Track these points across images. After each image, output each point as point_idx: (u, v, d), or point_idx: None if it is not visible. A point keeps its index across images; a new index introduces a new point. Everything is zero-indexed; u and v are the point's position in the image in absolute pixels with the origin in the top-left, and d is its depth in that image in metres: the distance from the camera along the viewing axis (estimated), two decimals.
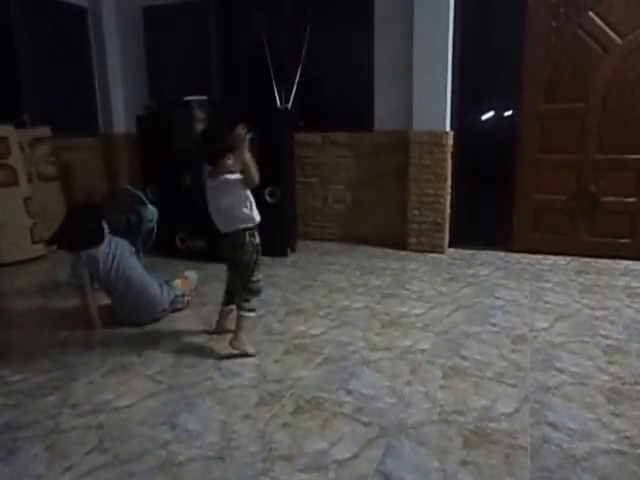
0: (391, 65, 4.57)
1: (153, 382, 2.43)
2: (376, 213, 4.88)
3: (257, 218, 2.65)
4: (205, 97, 4.58)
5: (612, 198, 4.24)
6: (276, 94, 4.40)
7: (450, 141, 4.48)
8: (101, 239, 3.09)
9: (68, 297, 3.42)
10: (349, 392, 2.28)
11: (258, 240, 2.68)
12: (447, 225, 4.63)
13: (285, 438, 1.97)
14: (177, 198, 4.54)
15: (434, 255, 4.50)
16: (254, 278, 2.66)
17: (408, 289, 3.65)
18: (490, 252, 4.52)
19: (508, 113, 4.52)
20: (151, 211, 3.78)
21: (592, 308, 3.21)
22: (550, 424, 2.01)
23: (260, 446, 1.92)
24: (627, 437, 1.92)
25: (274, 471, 1.79)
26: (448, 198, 4.58)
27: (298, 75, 4.60)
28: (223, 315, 2.93)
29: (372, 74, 4.68)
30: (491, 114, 4.62)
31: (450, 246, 4.69)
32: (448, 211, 4.61)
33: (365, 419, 2.08)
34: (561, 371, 2.42)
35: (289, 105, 4.51)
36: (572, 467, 1.76)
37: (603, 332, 2.86)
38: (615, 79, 4.10)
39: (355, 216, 4.98)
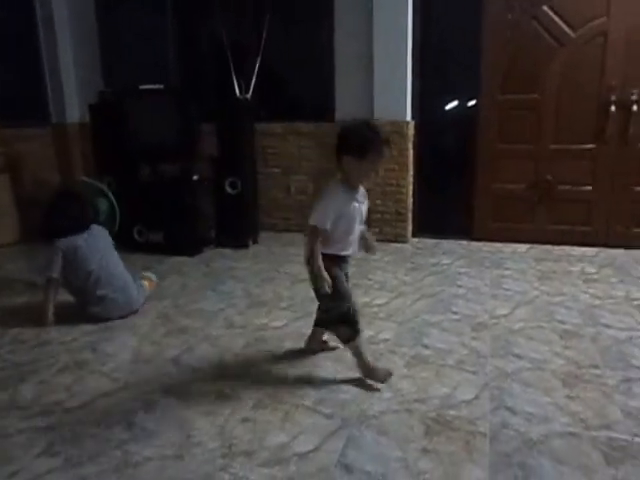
0: (352, 55, 4.53)
1: (108, 379, 2.36)
2: None
3: None
4: (161, 86, 4.46)
5: (568, 187, 4.33)
6: (235, 84, 4.30)
7: (411, 131, 4.48)
8: (86, 225, 2.99)
9: (18, 293, 3.29)
10: (311, 384, 2.26)
11: None
12: (410, 215, 4.64)
13: (245, 433, 1.93)
14: (134, 190, 4.41)
15: (397, 245, 4.51)
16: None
17: (371, 279, 3.64)
18: (453, 241, 4.56)
19: (468, 104, 4.55)
20: (105, 203, 3.67)
21: (549, 294, 3.27)
22: (509, 409, 2.04)
23: (220, 442, 1.88)
24: (581, 419, 1.96)
25: (234, 467, 1.75)
26: (410, 188, 4.59)
27: (258, 65, 4.51)
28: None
29: (333, 64, 4.63)
30: (451, 104, 4.65)
31: (413, 236, 4.71)
32: (411, 201, 4.63)
33: (327, 411, 2.06)
34: (519, 357, 2.46)
35: (249, 95, 4.43)
36: (529, 450, 1.79)
37: (560, 317, 2.92)
38: (569, 71, 4.17)
39: None
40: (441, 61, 4.54)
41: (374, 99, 4.41)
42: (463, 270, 3.78)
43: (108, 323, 2.95)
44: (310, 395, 2.17)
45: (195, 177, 4.27)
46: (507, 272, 3.72)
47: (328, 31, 4.60)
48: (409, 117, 4.45)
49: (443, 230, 4.67)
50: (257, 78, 4.49)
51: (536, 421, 1.96)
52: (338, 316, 2.23)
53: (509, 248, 4.32)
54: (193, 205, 4.30)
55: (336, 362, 2.45)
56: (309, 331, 2.78)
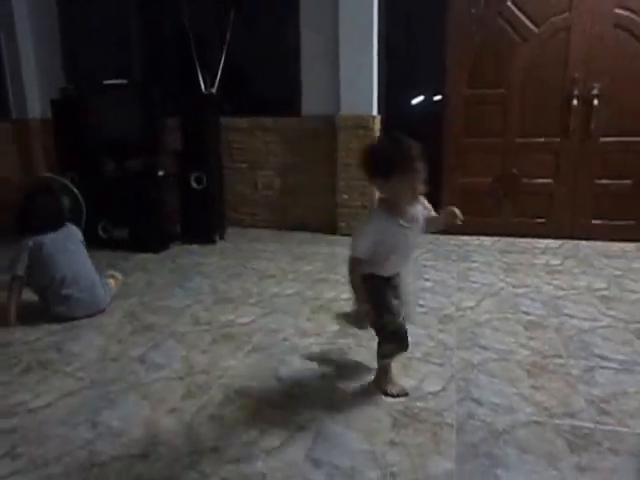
0: (317, 49, 4.51)
1: (74, 379, 2.29)
2: (306, 198, 4.84)
3: None
4: (125, 81, 4.36)
5: (533, 180, 4.42)
6: (200, 78, 4.24)
7: (377, 125, 4.50)
8: (62, 223, 2.94)
9: None
10: (279, 380, 2.25)
11: None
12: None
13: (213, 430, 1.90)
14: (98, 186, 4.31)
15: None
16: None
17: (339, 274, 3.63)
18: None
19: (434, 98, 4.60)
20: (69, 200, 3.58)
21: (514, 286, 3.33)
22: (475, 400, 2.06)
23: (187, 440, 1.85)
24: (545, 408, 1.99)
25: (201, 465, 1.72)
26: None
27: (223, 59, 4.45)
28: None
29: (299, 58, 4.61)
30: (418, 99, 4.68)
31: None
32: (376, 195, 4.64)
33: (295, 406, 2.04)
34: (485, 348, 2.49)
35: (214, 89, 4.37)
36: (495, 440, 1.81)
37: (524, 309, 2.97)
38: (533, 66, 4.25)
39: (285, 202, 4.92)
40: (407, 56, 4.58)
41: (340, 94, 4.41)
42: (430, 263, 3.82)
43: (74, 322, 2.87)
44: (278, 391, 2.16)
45: (160, 172, 4.20)
46: (473, 265, 3.77)
47: (294, 25, 4.58)
48: (375, 112, 4.46)
49: None
50: (222, 73, 4.44)
51: (502, 411, 1.98)
52: (390, 333, 2.06)
53: (476, 241, 4.39)
54: (158, 201, 4.23)
55: (305, 358, 2.44)
56: (276, 326, 2.78)
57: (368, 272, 2.05)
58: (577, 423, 1.91)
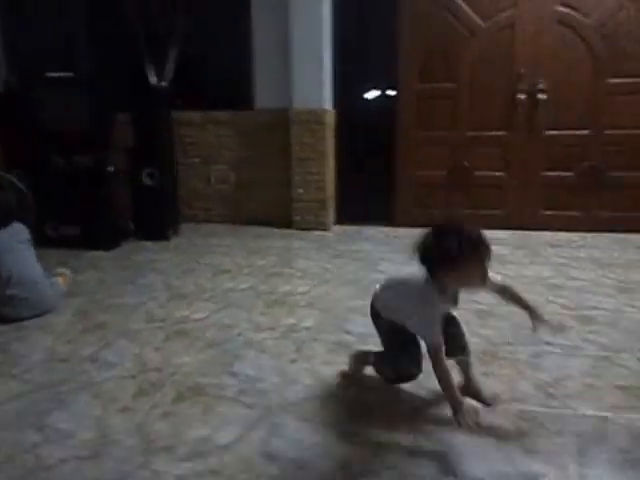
0: (269, 43, 4.50)
1: (19, 382, 2.21)
2: (261, 193, 4.82)
3: None
4: (71, 74, 4.21)
5: (483, 172, 4.54)
6: (150, 71, 4.13)
7: (331, 119, 4.52)
8: (6, 220, 2.86)
9: None
10: (233, 375, 2.23)
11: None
12: (332, 203, 4.69)
13: (166, 428, 1.87)
14: (46, 183, 4.15)
15: (320, 233, 4.55)
16: None
17: (293, 267, 3.65)
18: (375, 228, 4.66)
19: (387, 92, 4.64)
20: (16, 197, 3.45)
21: None
22: (428, 390, 2.09)
23: (139, 439, 1.81)
24: (496, 394, 2.05)
25: (154, 463, 1.69)
26: (332, 176, 4.64)
27: (174, 52, 4.34)
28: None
29: (251, 51, 4.57)
30: (371, 93, 4.72)
31: (336, 223, 4.76)
32: (332, 189, 4.67)
33: (249, 401, 2.04)
34: None
35: (165, 83, 4.27)
36: (449, 428, 1.85)
37: (476, 298, 3.03)
38: (481, 61, 4.36)
39: (240, 196, 4.88)
40: (360, 51, 4.59)
41: (293, 87, 4.40)
42: (384, 256, 3.87)
43: (21, 323, 2.76)
44: (232, 386, 2.14)
45: (110, 168, 4.09)
46: None
47: (245, 18, 4.53)
48: (329, 106, 4.47)
49: (365, 217, 4.75)
50: (173, 66, 4.34)
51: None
52: (398, 377, 2.01)
53: None
54: (109, 197, 4.13)
55: (259, 352, 2.44)
56: (231, 321, 2.76)
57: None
58: (525, 407, 1.97)
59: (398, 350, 1.94)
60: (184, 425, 1.89)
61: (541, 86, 4.28)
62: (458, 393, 1.76)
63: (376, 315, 2.04)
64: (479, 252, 1.66)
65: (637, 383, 2.14)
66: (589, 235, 4.33)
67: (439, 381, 1.77)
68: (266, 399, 2.05)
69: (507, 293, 1.91)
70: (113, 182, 4.14)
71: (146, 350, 2.45)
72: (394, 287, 1.97)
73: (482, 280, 1.73)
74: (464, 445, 1.75)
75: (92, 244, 4.06)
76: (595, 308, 2.88)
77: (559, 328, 1.87)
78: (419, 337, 1.84)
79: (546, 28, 4.20)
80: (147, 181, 4.17)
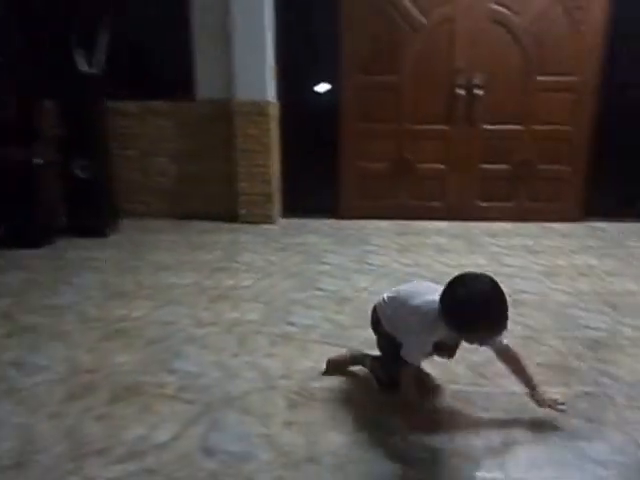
0: (209, 30, 4.39)
1: None
2: (204, 186, 4.72)
3: None
4: None
5: (424, 165, 4.62)
6: (79, 56, 3.91)
7: (275, 111, 4.48)
8: None
9: None
10: (172, 372, 2.17)
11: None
12: (277, 195, 4.66)
13: (99, 431, 1.80)
14: None
15: (265, 226, 4.51)
16: None
17: (238, 262, 3.60)
18: (320, 220, 4.66)
19: (331, 85, 4.64)
20: None
21: (407, 265, 3.48)
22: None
23: (69, 444, 1.73)
24: (434, 377, 2.10)
25: (85, 468, 1.62)
26: (277, 168, 4.60)
27: (105, 36, 4.11)
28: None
29: (190, 39, 4.45)
30: (318, 86, 4.70)
31: (282, 216, 4.73)
32: (277, 181, 4.64)
33: (189, 397, 1.99)
34: None
35: (96, 69, 4.06)
36: (387, 411, 1.88)
37: None
38: (422, 55, 4.43)
39: (182, 190, 4.76)
40: (305, 43, 4.55)
41: (235, 78, 4.33)
42: (329, 248, 3.88)
43: None
44: (171, 383, 2.09)
45: (38, 160, 3.85)
46: (370, 247, 3.88)
47: (184, 2, 4.39)
48: (272, 97, 4.42)
49: (311, 210, 4.75)
50: (104, 51, 4.13)
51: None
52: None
53: (373, 225, 4.52)
54: (37, 191, 3.88)
55: (201, 348, 2.39)
56: (172, 318, 2.69)
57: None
58: (458, 387, 2.04)
59: (393, 361, 1.93)
60: (119, 426, 1.82)
61: (478, 82, 4.40)
62: (415, 401, 1.88)
63: (377, 322, 2.04)
64: (500, 325, 1.64)
65: (558, 361, 2.27)
66: (522, 224, 4.51)
67: (400, 385, 1.89)
68: (207, 395, 2.01)
69: (504, 356, 1.86)
70: (41, 175, 3.90)
71: (79, 352, 2.35)
72: (404, 306, 1.88)
73: (489, 342, 1.78)
74: (403, 426, 1.79)
75: (19, 242, 3.83)
76: (524, 292, 3.01)
77: (553, 406, 1.83)
78: (401, 351, 1.81)
79: (481, 26, 4.32)
80: (79, 174, 3.98)
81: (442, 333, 1.75)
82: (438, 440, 1.74)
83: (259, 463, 1.64)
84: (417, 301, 1.82)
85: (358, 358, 2.16)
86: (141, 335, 2.50)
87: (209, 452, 1.69)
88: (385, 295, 2.03)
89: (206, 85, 4.51)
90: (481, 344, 1.80)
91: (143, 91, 4.62)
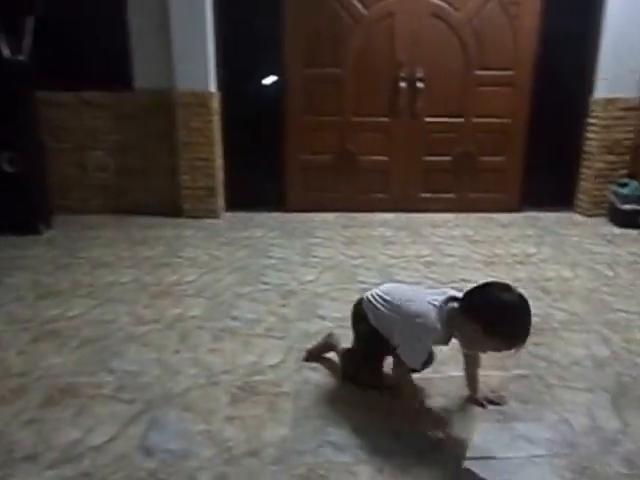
0: (148, 19, 4.23)
1: None
2: (146, 180, 4.58)
3: None
4: None
5: (368, 157, 4.66)
6: (2, 42, 3.66)
7: (217, 102, 4.39)
8: None
9: None
10: (110, 372, 2.10)
11: None
12: (222, 189, 4.58)
13: (30, 436, 1.72)
14: None
15: (210, 220, 4.42)
16: None
17: (181, 257, 3.52)
18: (266, 214, 4.62)
19: (275, 76, 4.59)
20: None
21: (353, 257, 3.50)
22: (311, 367, 2.13)
23: None
24: None
25: (13, 476, 1.55)
26: (220, 162, 4.52)
27: (31, 20, 3.85)
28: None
29: (128, 28, 4.28)
30: (260, 77, 4.63)
31: (227, 210, 4.66)
32: (221, 175, 4.56)
33: (127, 397, 1.94)
34: (323, 318, 2.59)
35: (23, 57, 3.82)
36: (328, 402, 1.90)
37: (361, 278, 3.14)
38: (364, 48, 4.44)
39: (122, 184, 4.59)
40: (247, 33, 4.47)
41: (175, 68, 4.21)
42: (275, 241, 3.85)
43: None
44: (109, 383, 2.02)
45: None
46: (316, 240, 3.89)
47: None
48: (213, 88, 4.34)
49: (256, 203, 4.69)
50: (31, 37, 3.88)
51: (336, 375, 2.07)
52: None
53: (319, 217, 4.52)
54: None
55: (141, 346, 2.32)
56: (110, 316, 2.60)
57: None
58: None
59: (365, 360, 1.98)
60: (52, 430, 1.75)
61: (420, 75, 4.46)
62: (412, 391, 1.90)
63: (362, 317, 1.97)
64: (520, 341, 1.60)
65: None
66: (463, 215, 4.62)
67: (399, 388, 1.88)
68: (147, 393, 1.96)
69: (471, 358, 1.90)
70: None
71: (8, 355, 2.23)
72: (402, 309, 1.82)
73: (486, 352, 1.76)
74: (344, 418, 1.80)
75: None
76: (464, 281, 3.08)
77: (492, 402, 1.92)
78: (400, 354, 1.78)
79: (422, 19, 4.38)
80: (7, 167, 3.76)
81: (440, 337, 1.75)
82: (376, 425, 1.77)
83: (200, 460, 1.62)
84: (418, 306, 1.76)
85: (332, 345, 2.17)
86: (77, 335, 2.41)
87: (148, 452, 1.65)
88: (375, 293, 1.96)
89: (144, 75, 4.36)
90: (483, 350, 1.77)
91: (78, 81, 4.41)
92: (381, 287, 2.01)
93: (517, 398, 1.95)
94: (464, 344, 1.79)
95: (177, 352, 2.27)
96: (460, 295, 1.74)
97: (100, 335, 2.41)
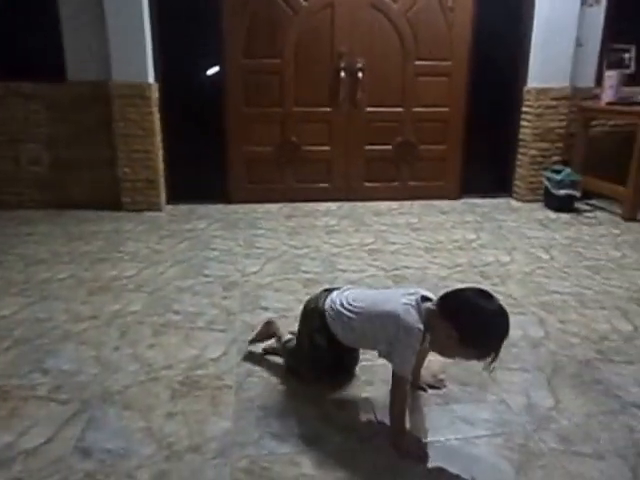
0: (80, 8, 4.07)
1: None
2: (83, 173, 4.42)
3: None
4: None
5: (311, 147, 4.67)
6: None
7: (156, 94, 4.28)
8: None
9: None
10: (45, 372, 2.04)
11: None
12: (163, 182, 4.49)
13: None
14: None
15: (151, 213, 4.33)
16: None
17: (122, 251, 3.44)
18: (209, 206, 4.56)
19: (214, 67, 4.51)
20: None
21: (297, 248, 3.51)
22: (254, 360, 2.13)
23: None
24: None
25: None
26: (160, 154, 4.42)
27: None
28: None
29: (59, 16, 4.10)
30: (200, 67, 4.54)
31: (168, 203, 4.57)
32: (162, 167, 4.46)
33: (63, 397, 1.89)
34: (266, 309, 2.59)
35: None
36: (270, 393, 1.92)
37: (304, 268, 3.16)
38: (304, 38, 4.43)
39: (59, 178, 4.41)
40: (186, 24, 4.36)
41: (111, 58, 4.07)
42: (218, 233, 3.82)
43: None
44: (44, 384, 1.96)
45: None
46: (260, 231, 3.88)
47: None
48: (152, 79, 4.23)
49: (199, 195, 4.62)
50: None
51: (278, 367, 2.09)
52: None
53: (263, 208, 4.50)
54: None
55: (78, 344, 2.26)
56: (45, 315, 2.52)
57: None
58: None
59: (306, 359, 1.94)
60: None
61: (360, 65, 4.49)
62: (404, 423, 1.71)
63: (319, 314, 1.87)
64: (493, 353, 1.55)
65: None
66: (406, 203, 4.73)
67: (392, 405, 1.68)
68: (84, 392, 1.92)
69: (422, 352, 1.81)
70: None
71: None
72: (373, 318, 1.74)
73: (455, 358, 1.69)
74: (289, 408, 1.82)
75: None
76: (407, 267, 3.17)
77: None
78: (389, 362, 1.69)
79: (361, 10, 4.40)
80: None
81: (421, 338, 1.66)
82: (317, 416, 1.80)
83: (140, 458, 1.60)
84: (395, 307, 1.68)
85: (272, 333, 2.14)
86: (8, 335, 2.32)
87: (85, 452, 1.62)
88: (340, 303, 1.84)
89: (78, 66, 4.19)
90: (451, 357, 1.69)
91: (6, 72, 4.19)
92: (345, 294, 1.87)
93: (457, 381, 2.01)
94: (433, 347, 1.70)
95: (116, 349, 2.22)
96: (430, 295, 1.71)
97: (34, 334, 2.33)
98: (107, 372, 2.05)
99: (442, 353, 1.68)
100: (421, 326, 1.63)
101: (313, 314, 1.90)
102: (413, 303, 1.66)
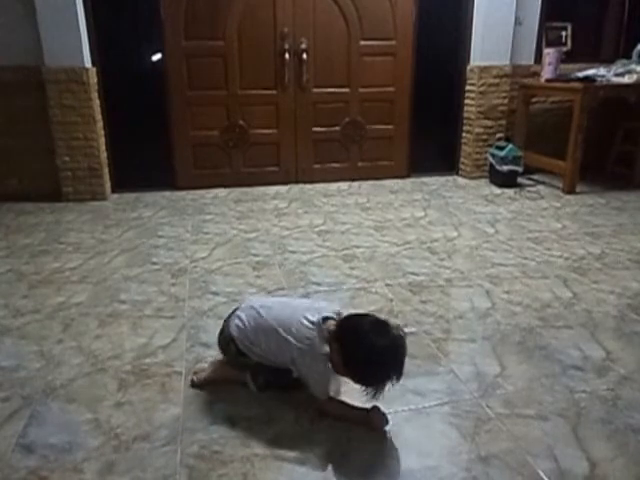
0: None
1: None
2: (19, 164, 4.22)
3: None
4: None
5: (258, 130, 4.61)
6: None
7: (94, 79, 4.11)
8: None
9: None
10: None
11: None
12: (106, 170, 4.33)
13: None
14: None
15: (95, 203, 4.18)
16: None
17: (64, 242, 3.31)
18: (156, 193, 4.45)
19: (154, 49, 4.36)
20: None
21: (246, 232, 3.48)
22: (203, 344, 2.11)
23: None
24: None
25: None
26: (102, 141, 4.26)
27: None
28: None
29: None
30: (140, 50, 4.38)
31: (114, 191, 4.42)
32: (105, 155, 4.30)
33: (3, 394, 1.81)
34: (216, 294, 2.56)
35: None
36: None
37: (254, 252, 3.13)
38: (247, 19, 4.34)
39: None
40: (123, 5, 4.19)
41: (42, 43, 3.87)
42: (165, 220, 3.73)
43: None
44: None
45: None
46: (208, 217, 3.81)
47: None
48: (89, 63, 4.05)
49: (145, 183, 4.50)
50: None
51: None
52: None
53: (211, 194, 4.43)
54: None
55: (18, 339, 2.17)
56: None
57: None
58: None
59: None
60: None
61: (304, 46, 4.44)
62: (355, 412, 1.69)
63: (231, 340, 1.80)
64: (382, 382, 1.57)
65: (386, 306, 2.46)
66: (355, 184, 4.75)
67: (331, 416, 1.69)
68: (25, 388, 1.85)
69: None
70: None
71: None
72: (277, 332, 1.70)
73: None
74: (232, 392, 1.81)
75: None
76: (357, 247, 3.19)
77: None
78: (309, 387, 1.70)
79: None
80: None
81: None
82: (268, 396, 1.80)
83: (86, 451, 1.56)
84: (297, 329, 1.67)
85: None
86: None
87: (28, 449, 1.56)
88: (240, 319, 1.79)
89: (5, 50, 3.96)
90: (343, 376, 1.69)
91: None
92: (244, 315, 1.80)
93: (407, 355, 2.04)
94: (333, 366, 1.67)
95: (60, 342, 2.14)
96: (333, 315, 1.69)
97: None
98: (50, 366, 1.98)
99: (335, 370, 1.66)
100: (326, 349, 1.63)
101: (226, 341, 1.83)
102: (315, 323, 1.65)
